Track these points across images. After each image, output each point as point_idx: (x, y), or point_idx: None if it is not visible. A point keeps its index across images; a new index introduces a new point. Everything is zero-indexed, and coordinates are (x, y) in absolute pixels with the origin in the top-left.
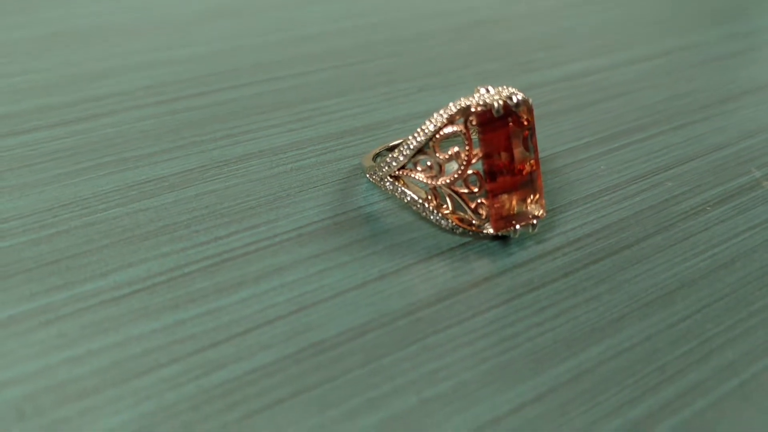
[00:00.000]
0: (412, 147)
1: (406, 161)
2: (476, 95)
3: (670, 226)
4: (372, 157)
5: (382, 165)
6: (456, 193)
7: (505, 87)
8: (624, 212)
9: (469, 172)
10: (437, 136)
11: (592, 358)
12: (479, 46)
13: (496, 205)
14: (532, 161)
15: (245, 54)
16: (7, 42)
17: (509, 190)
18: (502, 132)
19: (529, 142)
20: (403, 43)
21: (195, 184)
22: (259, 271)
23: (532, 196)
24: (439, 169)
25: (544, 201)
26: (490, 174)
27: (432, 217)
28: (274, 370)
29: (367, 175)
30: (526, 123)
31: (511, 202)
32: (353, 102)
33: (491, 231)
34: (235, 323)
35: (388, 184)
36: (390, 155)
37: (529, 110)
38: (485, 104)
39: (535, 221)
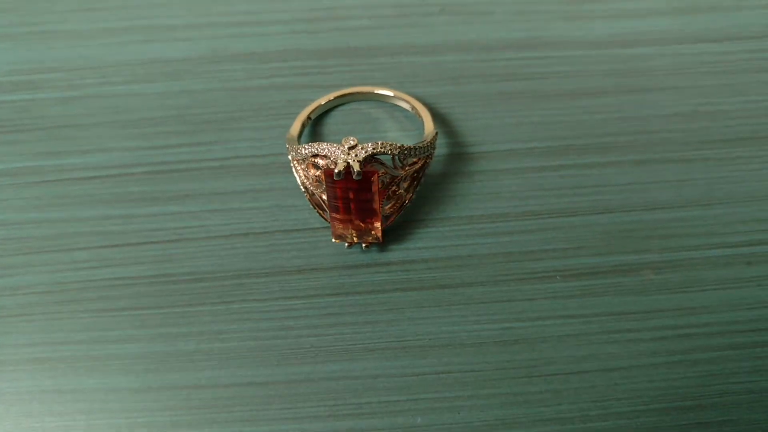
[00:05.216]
0: (301, 153)
1: (298, 158)
2: (337, 149)
3: (502, 282)
4: (300, 125)
5: (292, 146)
6: (321, 197)
7: (371, 145)
8: (479, 249)
9: None
10: (310, 159)
11: (291, 377)
12: None
13: (333, 228)
14: (373, 206)
15: None
16: None
17: (345, 222)
18: (341, 186)
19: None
20: None
21: (185, 78)
22: (173, 192)
23: (367, 232)
24: (312, 180)
25: (381, 233)
26: (329, 208)
27: (305, 202)
28: (130, 284)
29: (287, 146)
30: (366, 186)
31: (348, 230)
32: (368, 8)
33: None
34: (133, 233)
35: (291, 162)
36: (297, 145)
37: (370, 182)
38: (334, 163)
39: (369, 243)
